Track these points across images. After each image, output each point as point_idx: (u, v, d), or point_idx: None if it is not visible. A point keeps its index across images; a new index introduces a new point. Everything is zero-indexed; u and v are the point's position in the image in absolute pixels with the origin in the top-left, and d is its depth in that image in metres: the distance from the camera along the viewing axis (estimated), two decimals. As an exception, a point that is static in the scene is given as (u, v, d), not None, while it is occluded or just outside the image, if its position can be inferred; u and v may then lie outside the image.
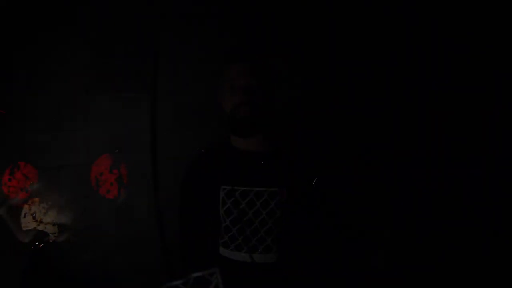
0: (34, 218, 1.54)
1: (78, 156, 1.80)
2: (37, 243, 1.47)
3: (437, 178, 1.72)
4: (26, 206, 1.54)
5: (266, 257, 1.21)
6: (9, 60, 1.70)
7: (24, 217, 1.51)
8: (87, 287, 1.70)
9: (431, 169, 1.73)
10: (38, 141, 1.73)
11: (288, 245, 1.23)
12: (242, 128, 1.22)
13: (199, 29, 1.93)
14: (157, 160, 1.86)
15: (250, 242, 1.22)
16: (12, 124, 1.67)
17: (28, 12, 1.68)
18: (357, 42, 1.81)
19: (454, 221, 1.68)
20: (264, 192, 1.21)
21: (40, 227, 1.55)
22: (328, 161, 1.40)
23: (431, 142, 1.75)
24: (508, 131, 1.64)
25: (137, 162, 1.85)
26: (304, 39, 1.95)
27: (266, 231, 1.21)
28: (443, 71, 1.71)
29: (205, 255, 1.28)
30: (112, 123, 1.83)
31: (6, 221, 1.08)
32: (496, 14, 1.62)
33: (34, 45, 1.70)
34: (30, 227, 1.53)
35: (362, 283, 1.62)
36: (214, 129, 1.90)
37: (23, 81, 1.71)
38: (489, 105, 1.67)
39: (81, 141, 1.81)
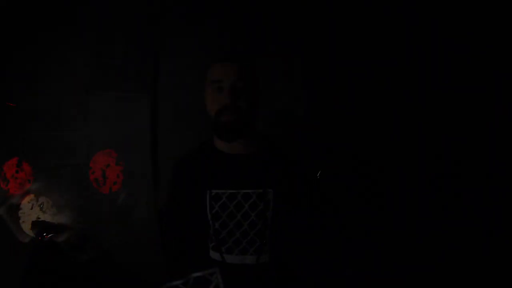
0: (41, 209, 1.53)
1: (78, 156, 1.80)
2: (44, 234, 1.46)
3: (436, 177, 1.73)
4: (32, 196, 1.53)
5: (258, 259, 1.20)
6: (9, 60, 1.70)
7: (31, 208, 1.50)
8: (87, 287, 1.70)
9: (430, 169, 1.74)
10: (38, 141, 1.73)
11: (280, 246, 1.21)
12: (227, 133, 1.19)
13: (199, 29, 1.93)
14: (157, 160, 1.86)
15: (241, 245, 1.20)
16: (12, 124, 1.67)
17: (28, 12, 1.69)
18: (356, 41, 1.81)
19: (454, 221, 1.68)
20: (252, 194, 1.20)
21: (48, 218, 1.54)
22: (320, 160, 1.39)
23: (431, 142, 1.75)
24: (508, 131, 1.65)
25: (137, 162, 1.85)
26: (304, 39, 1.95)
27: (256, 233, 1.19)
28: (443, 71, 1.71)
29: (196, 259, 1.27)
30: (112, 123, 1.83)
31: (6, 221, 1.08)
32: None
33: (34, 45, 1.71)
34: (36, 217, 1.51)
35: (358, 283, 1.62)
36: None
37: (23, 81, 1.71)
38: (489, 105, 1.67)
39: (81, 141, 1.81)
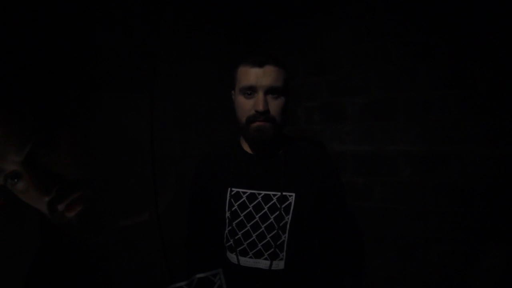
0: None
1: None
2: (61, 198, 1.39)
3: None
4: None
5: (271, 264, 1.16)
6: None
7: None
8: (87, 285, 1.68)
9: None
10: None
11: (296, 254, 1.18)
12: (258, 138, 1.16)
13: (199, 29, 1.92)
14: (157, 160, 1.85)
15: (256, 248, 1.17)
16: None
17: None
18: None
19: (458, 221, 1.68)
20: (273, 196, 1.17)
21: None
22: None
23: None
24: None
25: (137, 162, 1.84)
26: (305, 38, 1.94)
27: (273, 237, 1.16)
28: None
29: (211, 258, 1.25)
30: (112, 123, 1.82)
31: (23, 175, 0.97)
32: None
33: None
34: None
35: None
36: (213, 129, 1.89)
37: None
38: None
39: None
